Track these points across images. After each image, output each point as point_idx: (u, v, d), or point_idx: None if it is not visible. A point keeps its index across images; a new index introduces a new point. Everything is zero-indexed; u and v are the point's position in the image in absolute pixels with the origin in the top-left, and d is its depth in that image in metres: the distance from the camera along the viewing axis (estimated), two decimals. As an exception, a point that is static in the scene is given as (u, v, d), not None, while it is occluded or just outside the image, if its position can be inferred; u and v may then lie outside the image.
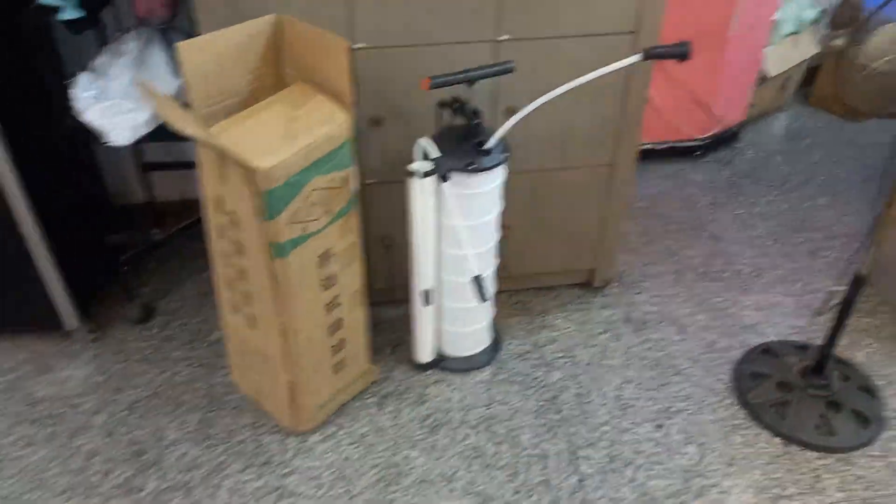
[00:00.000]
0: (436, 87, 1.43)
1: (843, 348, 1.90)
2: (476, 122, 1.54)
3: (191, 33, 1.64)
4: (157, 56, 1.71)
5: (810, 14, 2.82)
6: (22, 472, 1.61)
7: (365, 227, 1.80)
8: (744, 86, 2.75)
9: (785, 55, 2.87)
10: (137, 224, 2.39)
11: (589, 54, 1.64)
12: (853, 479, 1.58)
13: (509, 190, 1.68)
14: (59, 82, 1.70)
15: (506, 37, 1.59)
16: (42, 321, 1.89)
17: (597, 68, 1.40)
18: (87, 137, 1.68)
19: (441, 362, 1.85)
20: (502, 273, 1.95)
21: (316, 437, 1.68)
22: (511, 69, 1.51)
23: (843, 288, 1.65)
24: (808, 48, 2.95)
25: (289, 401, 1.61)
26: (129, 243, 2.13)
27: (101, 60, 1.72)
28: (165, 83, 1.67)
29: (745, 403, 1.75)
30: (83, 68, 1.72)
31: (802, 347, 1.88)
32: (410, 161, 1.51)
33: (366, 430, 1.69)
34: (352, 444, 1.66)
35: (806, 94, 3.24)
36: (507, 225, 1.86)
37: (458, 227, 1.56)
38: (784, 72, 2.92)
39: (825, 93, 3.13)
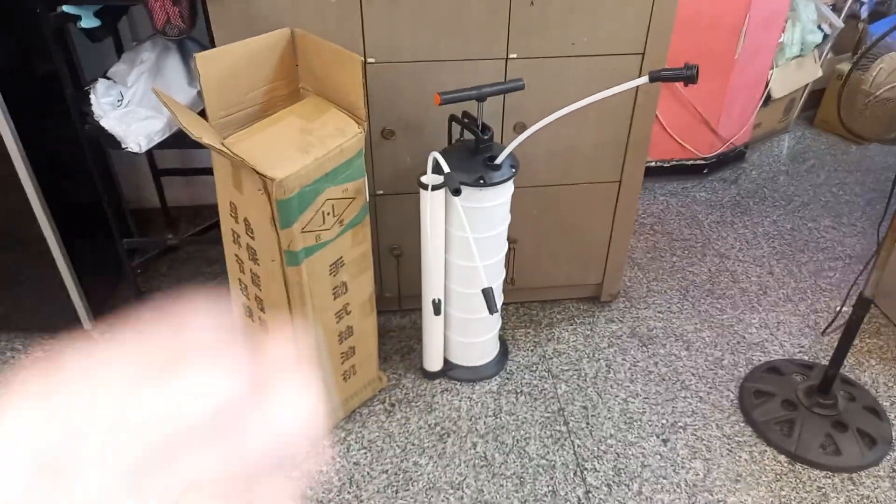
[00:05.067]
0: (447, 103, 1.46)
1: (848, 368, 1.91)
2: (486, 137, 1.57)
3: (206, 45, 1.67)
4: (173, 65, 1.73)
5: (815, 38, 2.86)
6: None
7: (375, 237, 1.82)
8: (749, 106, 2.79)
9: (789, 77, 2.90)
10: (151, 228, 2.41)
11: (598, 74, 1.66)
12: (859, 498, 1.58)
13: (518, 204, 1.69)
14: (77, 88, 1.73)
15: (514, 55, 1.62)
16: (58, 321, 1.91)
17: (605, 88, 1.43)
18: (103, 143, 1.71)
19: (449, 371, 1.86)
20: (509, 285, 1.96)
21: (325, 442, 1.69)
22: (521, 87, 1.54)
23: (848, 308, 1.66)
24: (812, 71, 2.99)
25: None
26: (142, 247, 2.16)
27: (118, 68, 1.75)
28: (181, 92, 1.70)
29: (750, 421, 1.75)
30: (101, 75, 1.75)
31: (808, 366, 1.89)
32: (421, 173, 1.53)
33: (375, 437, 1.70)
34: (361, 449, 1.67)
35: (811, 115, 3.27)
36: (514, 239, 1.88)
37: (467, 239, 1.57)
38: (789, 93, 2.96)
39: (829, 115, 3.17)
